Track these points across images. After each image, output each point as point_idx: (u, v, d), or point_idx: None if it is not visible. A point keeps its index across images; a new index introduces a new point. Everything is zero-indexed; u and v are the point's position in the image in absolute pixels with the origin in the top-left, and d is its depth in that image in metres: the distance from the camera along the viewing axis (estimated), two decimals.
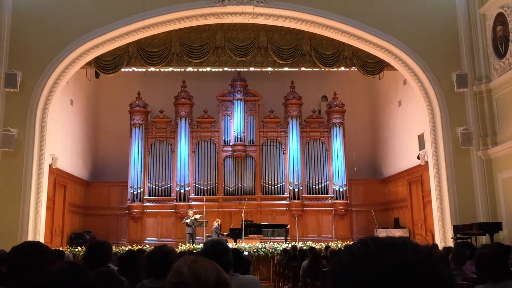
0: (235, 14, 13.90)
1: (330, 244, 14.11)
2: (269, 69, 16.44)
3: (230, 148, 18.51)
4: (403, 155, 17.69)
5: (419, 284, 0.81)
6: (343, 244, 14.53)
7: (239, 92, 18.76)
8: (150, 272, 3.37)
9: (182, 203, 17.80)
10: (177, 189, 17.96)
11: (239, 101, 18.71)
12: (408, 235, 16.87)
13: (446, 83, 13.81)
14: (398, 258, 0.83)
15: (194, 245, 14.48)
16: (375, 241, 0.88)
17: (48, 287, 1.41)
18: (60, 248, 12.23)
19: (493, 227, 11.85)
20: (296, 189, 18.11)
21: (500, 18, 13.01)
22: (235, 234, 15.14)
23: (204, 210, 16.31)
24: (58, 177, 15.79)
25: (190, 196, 18.00)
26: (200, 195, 17.85)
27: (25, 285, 1.47)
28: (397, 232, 17.20)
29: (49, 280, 1.43)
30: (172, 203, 18.03)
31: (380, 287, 0.80)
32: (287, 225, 16.22)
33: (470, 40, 13.94)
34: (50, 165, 14.16)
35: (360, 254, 0.86)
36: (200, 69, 16.64)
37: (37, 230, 12.75)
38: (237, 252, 4.55)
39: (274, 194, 18.33)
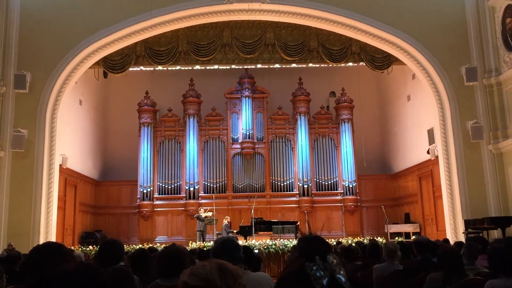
0: (241, 11, 13.88)
1: (340, 240, 14.07)
2: (277, 65, 16.39)
3: (238, 146, 18.50)
4: (412, 150, 17.58)
5: None
6: (354, 240, 14.49)
7: (247, 89, 18.73)
8: (162, 272, 3.38)
9: (191, 201, 17.84)
10: (187, 187, 17.99)
11: (247, 98, 18.68)
12: (418, 230, 16.80)
13: (456, 77, 13.69)
14: None
15: (204, 242, 14.52)
16: None
17: (64, 285, 1.41)
18: (72, 247, 12.32)
19: (505, 221, 11.76)
20: (306, 186, 18.07)
21: (509, 11, 12.87)
22: (245, 232, 15.15)
23: (214, 207, 16.33)
24: (69, 177, 15.89)
25: (199, 194, 18.03)
26: (210, 193, 17.87)
27: (42, 280, 1.47)
28: (407, 228, 17.13)
29: (66, 277, 1.44)
30: (181, 201, 18.07)
31: None
32: (297, 222, 16.19)
33: (479, 33, 13.80)
34: (60, 165, 14.25)
35: None
36: (207, 67, 16.63)
37: (48, 230, 12.85)
38: (248, 249, 4.55)
39: (284, 191, 18.30)
